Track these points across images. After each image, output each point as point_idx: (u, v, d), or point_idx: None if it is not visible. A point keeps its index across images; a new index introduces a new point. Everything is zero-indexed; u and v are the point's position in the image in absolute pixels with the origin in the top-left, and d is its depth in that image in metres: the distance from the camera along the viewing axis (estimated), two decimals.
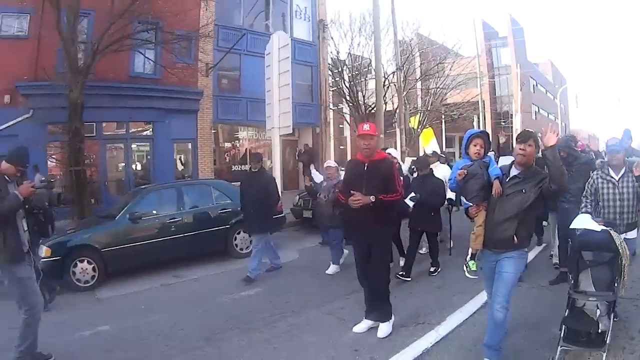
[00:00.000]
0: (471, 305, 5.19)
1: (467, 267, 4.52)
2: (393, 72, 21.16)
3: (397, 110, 20.95)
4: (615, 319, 4.09)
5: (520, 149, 3.74)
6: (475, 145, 4.21)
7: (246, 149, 17.80)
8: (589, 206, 5.04)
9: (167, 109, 13.98)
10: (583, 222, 4.50)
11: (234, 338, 4.82)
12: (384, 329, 4.61)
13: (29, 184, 4.23)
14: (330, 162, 7.70)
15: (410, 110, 23.52)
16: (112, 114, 12.62)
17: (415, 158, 9.74)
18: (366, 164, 4.60)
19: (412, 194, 6.54)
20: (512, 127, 37.26)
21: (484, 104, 33.03)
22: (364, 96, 21.61)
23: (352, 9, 52.96)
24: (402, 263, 6.79)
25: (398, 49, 19.92)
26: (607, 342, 3.79)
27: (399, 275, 6.40)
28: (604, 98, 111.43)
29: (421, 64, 25.70)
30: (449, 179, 4.69)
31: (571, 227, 4.53)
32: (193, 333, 5.05)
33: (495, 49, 39.27)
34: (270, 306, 5.77)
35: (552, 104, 48.81)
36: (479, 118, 33.12)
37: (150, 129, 14.40)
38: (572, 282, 4.27)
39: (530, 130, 4.23)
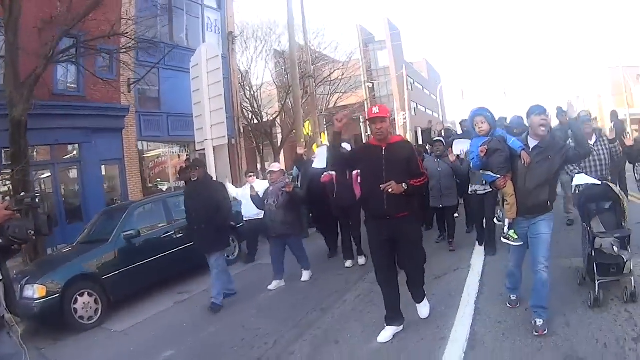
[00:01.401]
0: None
1: (510, 238, 4.33)
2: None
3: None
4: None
5: (542, 119, 4.10)
6: (477, 124, 4.48)
7: (168, 166, 16.94)
8: (577, 168, 5.92)
9: (93, 128, 12.89)
10: (584, 179, 5.32)
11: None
12: (425, 309, 4.58)
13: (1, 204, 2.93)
14: (274, 166, 7.22)
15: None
16: (37, 137, 11.32)
17: None
18: (383, 148, 4.23)
19: None
20: (396, 124, 39.76)
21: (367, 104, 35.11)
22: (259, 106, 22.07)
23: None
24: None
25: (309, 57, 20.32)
26: (632, 268, 4.61)
27: None
28: (491, 91, 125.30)
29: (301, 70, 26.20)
30: (471, 158, 4.68)
31: (574, 183, 5.24)
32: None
33: (374, 52, 41.63)
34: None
35: (429, 99, 53.09)
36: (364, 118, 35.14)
37: (77, 151, 13.18)
38: (589, 227, 4.94)
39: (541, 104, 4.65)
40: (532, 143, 4.18)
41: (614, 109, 17.42)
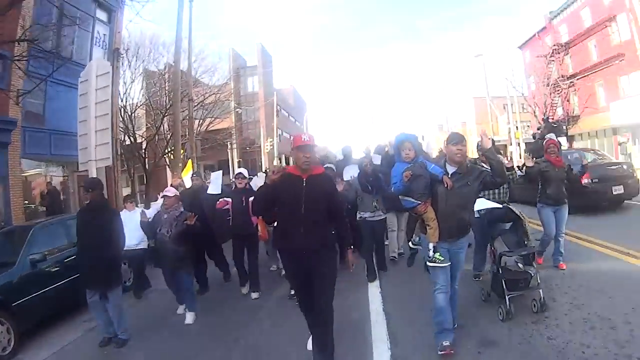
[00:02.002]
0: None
1: (436, 261, 4.38)
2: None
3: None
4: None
5: (457, 149, 4.31)
6: (404, 150, 4.72)
7: (49, 189, 15.26)
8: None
9: None
10: (485, 203, 5.64)
11: None
12: None
13: None
14: (169, 191, 6.50)
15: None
16: None
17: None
18: (305, 180, 4.07)
19: None
20: (261, 150, 40.54)
21: (234, 131, 35.57)
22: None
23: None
24: None
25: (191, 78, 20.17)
26: (539, 281, 5.20)
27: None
28: (360, 117, 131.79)
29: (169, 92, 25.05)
30: (393, 182, 4.72)
31: (476, 208, 5.30)
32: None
33: (244, 77, 42.17)
34: None
35: (295, 126, 54.81)
36: (231, 144, 35.50)
37: None
38: (492, 247, 5.45)
39: (460, 133, 5.10)
40: (451, 169, 4.38)
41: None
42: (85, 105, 10.45)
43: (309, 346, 4.44)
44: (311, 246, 4.04)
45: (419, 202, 4.42)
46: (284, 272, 6.14)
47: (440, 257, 4.39)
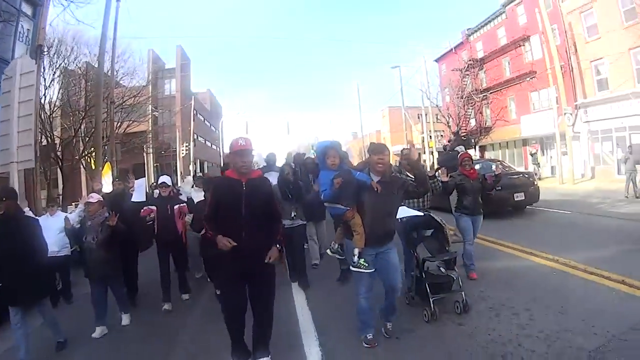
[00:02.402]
0: None
1: (361, 266, 4.47)
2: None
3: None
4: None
5: (379, 158, 4.43)
6: (329, 158, 4.87)
7: None
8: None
9: None
10: (406, 211, 5.64)
11: None
12: None
13: None
14: (92, 197, 6.25)
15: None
16: None
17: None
18: (244, 183, 4.14)
19: None
20: (177, 154, 39.18)
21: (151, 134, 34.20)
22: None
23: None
24: None
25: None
26: (461, 284, 5.47)
27: None
28: (275, 126, 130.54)
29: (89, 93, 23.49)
30: (323, 189, 4.82)
31: (398, 216, 5.27)
32: None
33: (162, 79, 40.57)
34: None
35: (210, 131, 53.49)
36: (147, 148, 34.02)
37: None
38: (415, 253, 5.59)
39: (383, 143, 5.11)
40: (375, 178, 4.49)
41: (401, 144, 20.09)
42: (7, 104, 9.80)
43: None
44: (253, 248, 4.05)
45: (347, 208, 4.50)
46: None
47: (364, 264, 4.46)
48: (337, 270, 7.18)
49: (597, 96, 23.40)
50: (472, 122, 34.02)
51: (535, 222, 11.63)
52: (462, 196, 6.96)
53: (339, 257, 5.14)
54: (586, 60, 23.87)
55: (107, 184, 11.52)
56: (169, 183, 7.30)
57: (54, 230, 6.96)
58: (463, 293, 5.40)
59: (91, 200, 6.07)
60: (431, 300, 5.21)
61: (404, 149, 5.91)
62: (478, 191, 6.99)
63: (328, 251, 5.27)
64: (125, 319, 6.17)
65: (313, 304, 6.16)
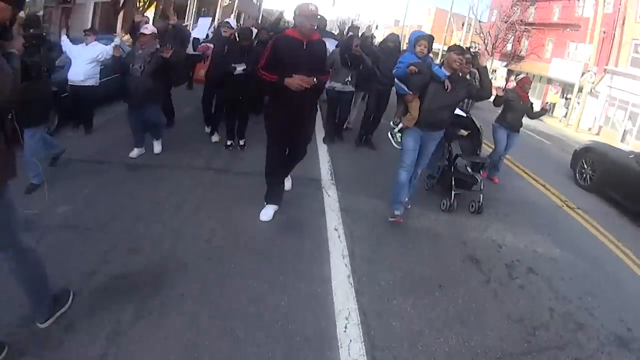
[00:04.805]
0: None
1: (394, 137, 5.08)
2: None
3: None
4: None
5: (459, 58, 4.76)
6: (420, 46, 5.24)
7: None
8: None
9: None
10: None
11: None
12: (288, 183, 5.23)
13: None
14: (147, 28, 6.09)
15: None
16: None
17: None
18: (305, 43, 4.26)
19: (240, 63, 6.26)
20: (218, 2, 38.98)
21: None
22: None
23: None
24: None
25: None
26: (482, 188, 5.92)
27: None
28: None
29: None
30: (398, 66, 5.16)
31: None
32: None
33: None
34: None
35: None
36: None
37: None
38: (449, 147, 6.03)
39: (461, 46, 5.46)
40: (446, 73, 4.83)
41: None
42: None
43: (263, 216, 4.69)
44: (304, 101, 4.36)
45: (410, 91, 4.93)
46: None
47: (398, 138, 5.08)
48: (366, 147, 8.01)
49: (628, 69, 23.91)
50: (509, 47, 34.43)
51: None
52: (508, 111, 7.40)
53: (394, 125, 5.46)
54: (629, 36, 24.19)
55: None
56: (233, 25, 7.23)
57: (84, 58, 6.82)
58: (482, 195, 5.85)
59: (145, 31, 5.95)
60: (453, 193, 5.67)
61: (468, 50, 6.08)
62: (523, 112, 7.47)
63: (391, 123, 5.62)
64: (157, 147, 6.27)
65: (340, 170, 6.60)
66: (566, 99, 27.56)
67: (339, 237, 4.48)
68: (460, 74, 5.03)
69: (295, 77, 4.11)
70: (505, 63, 34.96)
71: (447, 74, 4.82)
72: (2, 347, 2.44)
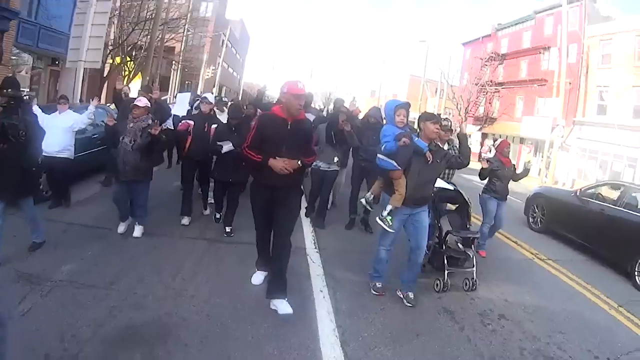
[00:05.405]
0: None
1: (385, 222, 4.80)
2: None
3: None
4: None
5: (436, 128, 4.74)
6: (399, 115, 4.83)
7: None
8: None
9: None
10: (439, 183, 5.88)
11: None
12: (288, 306, 4.27)
13: None
14: (141, 101, 5.98)
15: None
16: None
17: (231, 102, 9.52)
18: (290, 123, 4.25)
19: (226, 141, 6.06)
20: (201, 76, 40.62)
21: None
22: None
23: None
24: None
25: None
26: (475, 264, 5.71)
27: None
28: (299, 70, 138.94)
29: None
30: (385, 141, 4.74)
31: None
32: None
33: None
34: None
35: (235, 59, 54.86)
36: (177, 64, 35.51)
37: None
38: (439, 224, 5.83)
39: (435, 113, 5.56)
40: (424, 145, 4.75)
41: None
42: (83, 11, 11.35)
43: (254, 280, 4.93)
44: (286, 184, 4.26)
45: (399, 168, 4.69)
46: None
47: (390, 222, 4.83)
48: (345, 216, 7.82)
49: (594, 118, 25.20)
50: (481, 110, 36.15)
51: None
52: (495, 180, 7.28)
53: (370, 208, 5.37)
54: (593, 84, 25.62)
55: (132, 90, 11.76)
56: (212, 100, 7.16)
57: (58, 128, 6.58)
58: (474, 271, 5.66)
59: (139, 103, 5.87)
60: (446, 272, 5.47)
61: (445, 118, 6.23)
62: (509, 178, 7.39)
63: (363, 200, 5.53)
64: (138, 231, 5.98)
65: (322, 243, 6.65)
66: (544, 157, 28.48)
67: (323, 297, 4.87)
68: (438, 144, 4.95)
69: (279, 160, 4.12)
70: (479, 127, 36.58)
71: (426, 144, 4.76)
72: None
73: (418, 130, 4.99)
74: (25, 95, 5.31)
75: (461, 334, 4.55)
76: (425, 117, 4.93)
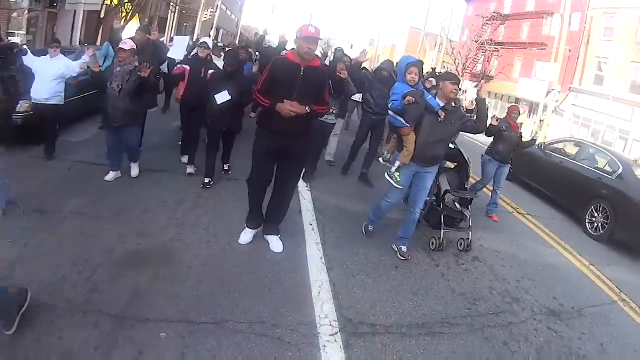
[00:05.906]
0: None
1: (393, 177, 4.79)
2: None
3: None
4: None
5: (455, 88, 4.60)
6: (411, 73, 4.79)
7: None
8: None
9: None
10: None
11: None
12: (280, 244, 4.59)
13: None
14: (125, 44, 5.69)
15: None
16: None
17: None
18: (302, 69, 4.08)
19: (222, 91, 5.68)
20: (198, 18, 39.88)
21: None
22: None
23: None
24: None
25: None
26: (470, 225, 5.70)
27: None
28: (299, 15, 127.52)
29: None
30: (394, 99, 4.73)
31: None
32: None
33: None
34: None
35: (234, 1, 54.07)
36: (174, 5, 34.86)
37: None
38: (437, 182, 5.67)
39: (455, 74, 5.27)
40: (441, 103, 4.68)
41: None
42: None
43: (242, 239, 4.66)
44: (295, 131, 4.15)
45: (407, 125, 4.67)
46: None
47: (398, 178, 4.81)
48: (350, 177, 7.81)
49: (591, 87, 25.36)
50: (479, 67, 36.10)
51: None
52: (499, 142, 7.25)
53: (389, 165, 5.14)
54: (593, 54, 25.65)
55: (130, 30, 11.48)
56: (209, 45, 6.90)
57: (47, 75, 6.18)
58: (470, 233, 5.66)
59: (124, 46, 5.61)
60: (442, 231, 5.44)
61: (476, 84, 6.23)
62: (514, 143, 7.37)
63: (380, 159, 5.53)
64: (135, 170, 6.03)
65: (314, 183, 6.96)
66: (538, 119, 28.86)
67: (313, 230, 5.32)
68: (456, 105, 4.90)
69: (286, 103, 3.99)
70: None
71: (441, 104, 4.69)
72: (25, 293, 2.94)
73: (437, 89, 4.97)
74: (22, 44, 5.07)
75: (436, 269, 5.04)
76: (445, 76, 4.86)
